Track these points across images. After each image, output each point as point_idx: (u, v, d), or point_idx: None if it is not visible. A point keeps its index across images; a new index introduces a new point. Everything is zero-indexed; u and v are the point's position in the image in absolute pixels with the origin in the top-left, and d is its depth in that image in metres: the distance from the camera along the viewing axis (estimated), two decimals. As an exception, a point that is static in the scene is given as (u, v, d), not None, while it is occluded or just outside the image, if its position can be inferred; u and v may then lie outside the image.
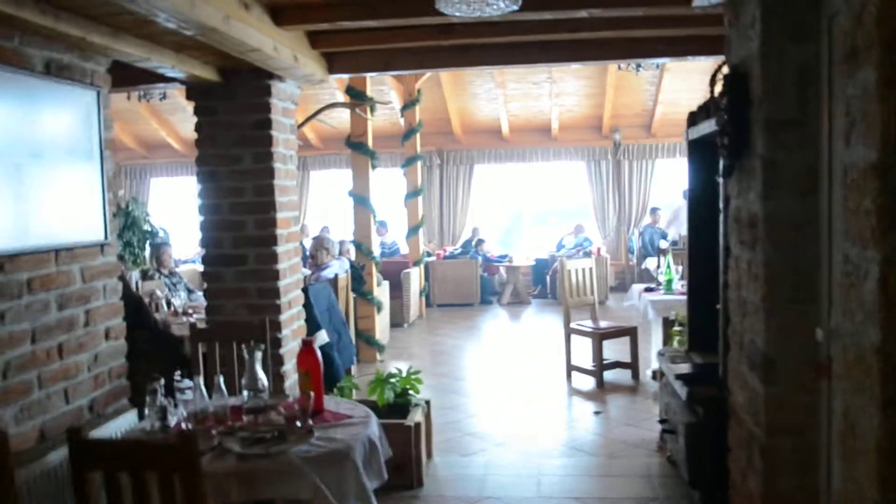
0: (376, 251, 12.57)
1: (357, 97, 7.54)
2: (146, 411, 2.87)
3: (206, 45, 3.36)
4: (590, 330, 6.71)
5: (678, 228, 11.18)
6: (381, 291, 8.37)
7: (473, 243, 12.03)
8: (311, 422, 2.89)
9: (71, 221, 3.10)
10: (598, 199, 12.68)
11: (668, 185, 13.02)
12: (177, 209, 13.01)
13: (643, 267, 10.78)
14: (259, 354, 3.00)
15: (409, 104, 10.40)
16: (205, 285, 4.48)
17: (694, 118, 4.27)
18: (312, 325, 5.08)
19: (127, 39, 3.25)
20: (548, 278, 11.81)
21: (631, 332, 6.70)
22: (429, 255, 12.07)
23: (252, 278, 4.41)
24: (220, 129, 4.36)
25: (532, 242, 13.48)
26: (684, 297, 5.91)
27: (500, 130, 12.79)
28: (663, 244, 11.22)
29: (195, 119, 4.42)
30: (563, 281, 6.87)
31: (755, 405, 2.92)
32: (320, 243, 6.37)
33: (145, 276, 6.36)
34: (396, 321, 9.63)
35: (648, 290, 6.37)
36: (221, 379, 2.91)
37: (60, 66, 3.07)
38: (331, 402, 3.17)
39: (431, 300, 11.34)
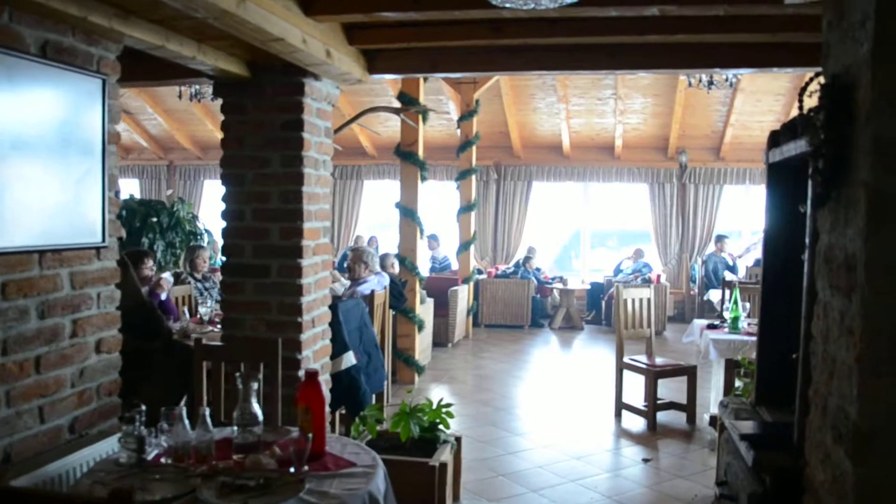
0: (425, 266, 12.44)
1: (408, 104, 7.18)
2: (122, 440, 2.51)
3: (226, 34, 3.02)
4: (644, 366, 6.14)
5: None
6: (425, 309, 7.97)
7: (523, 262, 11.49)
8: (306, 468, 2.48)
9: (61, 220, 2.78)
10: (660, 224, 12.04)
11: (735, 213, 12.30)
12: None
13: (706, 298, 10.10)
14: (255, 385, 2.61)
15: (466, 115, 10.02)
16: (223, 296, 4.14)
17: (777, 138, 3.70)
18: (339, 345, 4.70)
19: (138, 23, 2.93)
20: (603, 304, 11.21)
21: (689, 372, 6.11)
22: (480, 272, 11.63)
23: (273, 291, 4.04)
24: (247, 128, 4.03)
25: (589, 265, 12.87)
26: (752, 339, 5.33)
27: (560, 146, 12.29)
28: (728, 275, 10.52)
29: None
30: (619, 310, 6.33)
31: (841, 486, 2.37)
32: (358, 256, 5.98)
33: (178, 279, 6.08)
34: (440, 340, 9.21)
35: (711, 326, 5.77)
36: (207, 411, 2.52)
37: (59, 49, 2.76)
38: (336, 444, 2.76)
39: (479, 320, 10.89)
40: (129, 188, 13.31)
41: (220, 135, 4.12)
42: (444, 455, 3.95)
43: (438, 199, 12.31)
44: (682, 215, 11.97)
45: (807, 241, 2.95)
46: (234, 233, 4.07)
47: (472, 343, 9.80)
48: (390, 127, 11.89)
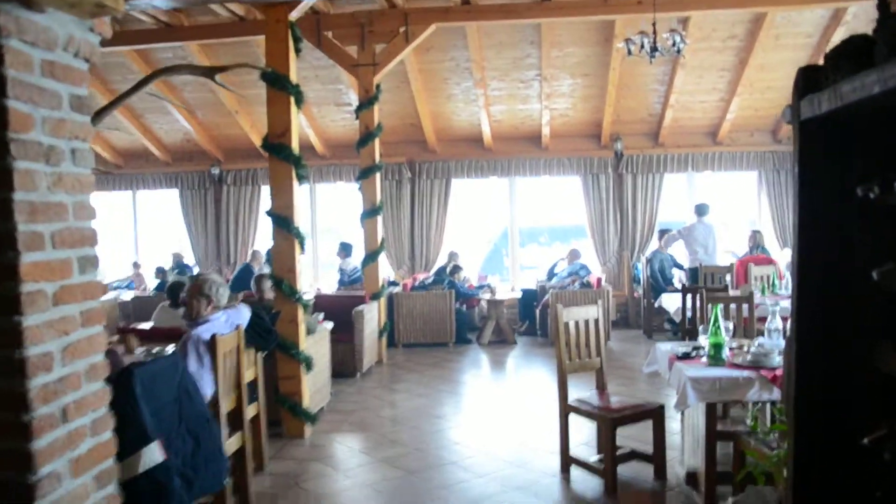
0: (332, 281, 10.82)
1: (273, 83, 5.48)
2: None
3: None
4: (596, 410, 4.58)
5: (693, 254, 9.11)
6: (317, 340, 6.28)
7: (448, 270, 9.93)
8: None
9: None
10: (596, 219, 10.71)
11: (677, 204, 11.03)
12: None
13: (657, 305, 8.67)
14: None
15: (365, 103, 8.39)
16: None
17: (814, 77, 2.14)
18: (135, 436, 2.94)
19: None
20: (537, 312, 9.76)
21: (655, 415, 4.58)
22: (394, 284, 10.05)
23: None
24: None
25: (519, 267, 11.38)
26: (745, 374, 3.82)
27: (481, 138, 10.85)
28: (677, 274, 9.20)
29: None
30: (558, 335, 4.75)
31: None
32: (197, 288, 4.22)
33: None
34: (346, 371, 7.65)
35: (685, 356, 4.23)
36: None
37: None
38: None
39: (396, 339, 9.30)
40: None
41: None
42: None
43: (351, 203, 10.66)
44: (620, 209, 10.68)
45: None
46: None
47: (386, 370, 8.16)
48: (347, 122, 10.22)
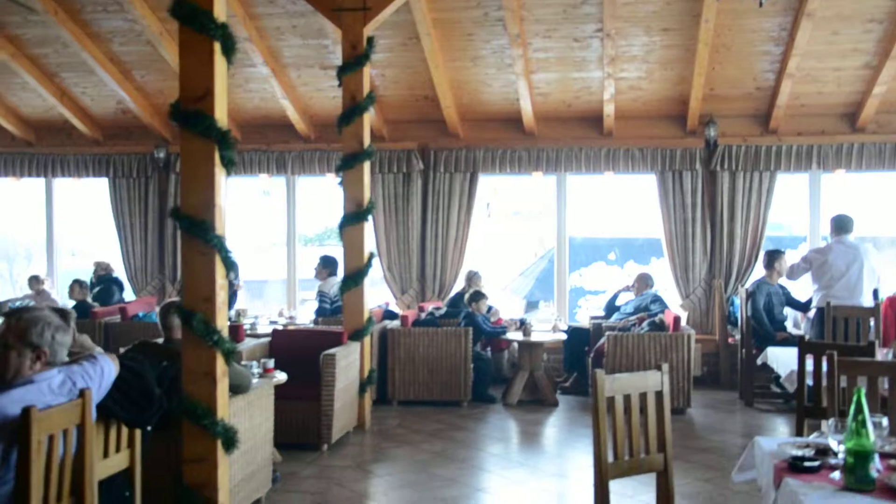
0: (308, 310, 10.07)
1: (186, 16, 4.69)
2: None
3: None
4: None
5: (825, 289, 8.07)
6: (256, 399, 5.47)
7: (466, 299, 9.11)
8: None
9: None
10: (677, 235, 9.92)
11: (792, 214, 10.49)
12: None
13: (759, 362, 7.68)
14: None
15: (351, 63, 7.68)
16: None
17: None
18: None
19: None
20: (589, 361, 8.96)
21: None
22: (392, 316, 9.24)
23: None
24: None
25: (567, 298, 10.55)
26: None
27: (519, 119, 10.12)
28: (791, 316, 8.17)
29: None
30: (597, 417, 3.80)
31: None
32: (18, 333, 3.36)
33: None
34: (307, 440, 6.88)
35: (796, 467, 3.23)
36: None
37: None
38: None
39: (389, 394, 8.61)
40: None
41: None
42: None
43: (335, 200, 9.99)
44: (711, 220, 9.90)
45: None
46: None
47: (367, 440, 7.39)
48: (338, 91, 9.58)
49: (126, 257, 11.03)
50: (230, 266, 5.11)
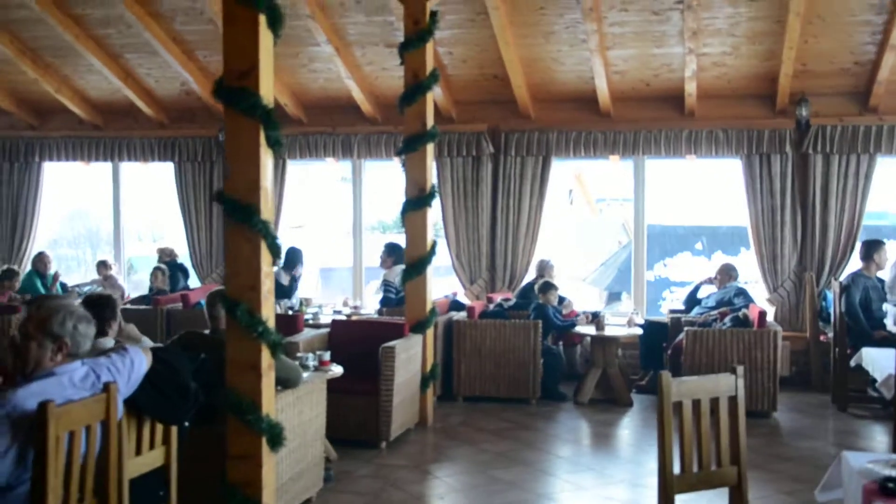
0: (373, 299, 9.95)
1: None
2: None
3: None
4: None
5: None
6: (307, 394, 5.37)
7: (537, 289, 8.84)
8: None
9: None
10: (764, 223, 9.49)
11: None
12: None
13: (853, 364, 7.20)
14: None
15: (414, 39, 7.52)
16: None
17: None
18: None
19: None
20: (666, 356, 8.59)
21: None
22: (459, 307, 9.05)
23: None
24: None
25: (645, 290, 10.22)
26: None
27: (594, 99, 9.79)
28: (892, 314, 7.69)
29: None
30: (664, 424, 3.52)
31: None
32: (39, 323, 3.25)
33: None
34: (366, 437, 6.73)
35: (893, 491, 2.89)
36: None
37: None
38: None
39: (454, 389, 8.45)
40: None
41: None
42: None
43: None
44: (802, 207, 9.46)
45: None
46: None
47: (429, 438, 7.23)
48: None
49: (191, 244, 11.07)
50: (277, 252, 4.97)
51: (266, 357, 4.77)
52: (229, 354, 4.74)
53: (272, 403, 4.84)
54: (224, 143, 4.92)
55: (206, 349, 4.75)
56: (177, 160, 11.08)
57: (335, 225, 14.04)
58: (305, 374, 5.48)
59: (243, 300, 4.73)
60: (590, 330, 8.56)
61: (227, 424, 4.71)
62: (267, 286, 4.83)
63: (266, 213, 4.79)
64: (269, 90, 4.81)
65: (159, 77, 10.61)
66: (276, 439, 4.81)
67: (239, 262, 4.80)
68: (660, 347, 8.80)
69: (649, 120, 9.79)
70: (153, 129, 11.25)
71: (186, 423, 4.17)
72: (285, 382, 5.09)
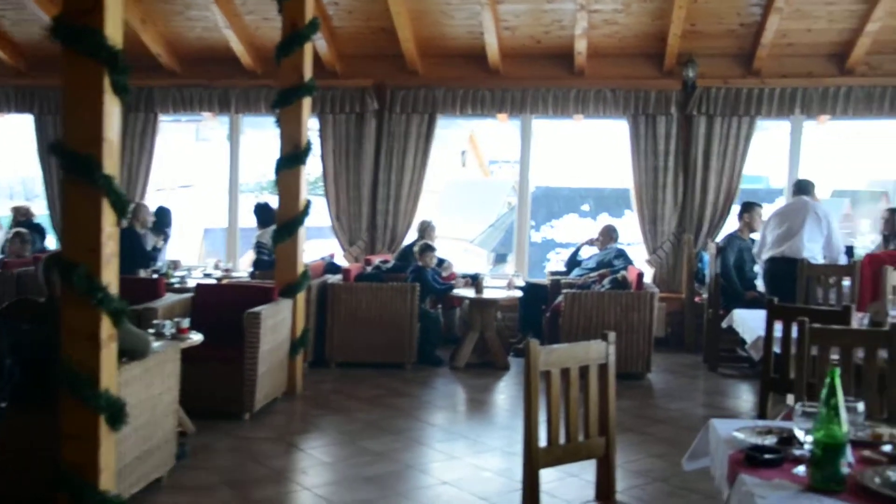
0: (246, 259, 9.59)
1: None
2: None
3: None
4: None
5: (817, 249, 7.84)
6: (157, 365, 4.96)
7: (416, 251, 8.68)
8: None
9: None
10: (646, 184, 9.59)
11: (771, 166, 10.30)
12: None
13: (724, 325, 7.32)
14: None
15: None
16: None
17: None
18: None
19: None
20: (544, 319, 8.61)
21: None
22: (335, 269, 8.81)
23: None
24: None
25: (527, 253, 10.26)
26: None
27: (483, 55, 9.67)
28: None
29: None
30: (530, 394, 3.36)
31: None
32: None
33: None
34: (227, 408, 6.41)
35: (753, 459, 2.82)
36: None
37: None
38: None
39: (327, 355, 8.22)
40: None
41: None
42: None
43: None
44: (685, 168, 9.60)
45: None
46: None
47: (297, 407, 6.98)
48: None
49: (51, 202, 10.46)
50: (122, 211, 4.57)
51: (107, 326, 4.37)
52: (65, 322, 4.32)
53: (113, 377, 4.43)
54: (62, 90, 4.46)
55: (39, 319, 4.36)
56: (37, 112, 10.46)
57: (223, 184, 13.71)
58: (157, 344, 5.11)
59: (81, 263, 4.37)
60: (469, 293, 8.48)
61: (60, 401, 4.35)
62: (110, 248, 4.42)
63: (110, 167, 4.38)
64: (116, 29, 4.35)
65: (15, 19, 9.92)
66: (116, 417, 4.39)
67: (77, 221, 4.37)
68: (539, 310, 8.80)
69: (538, 78, 9.74)
70: (10, 78, 10.54)
71: (2, 404, 3.79)
72: (132, 353, 4.68)
